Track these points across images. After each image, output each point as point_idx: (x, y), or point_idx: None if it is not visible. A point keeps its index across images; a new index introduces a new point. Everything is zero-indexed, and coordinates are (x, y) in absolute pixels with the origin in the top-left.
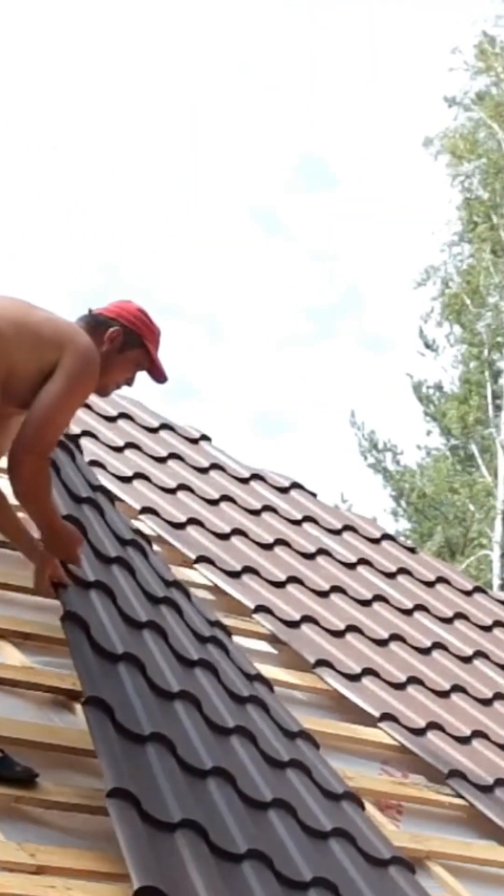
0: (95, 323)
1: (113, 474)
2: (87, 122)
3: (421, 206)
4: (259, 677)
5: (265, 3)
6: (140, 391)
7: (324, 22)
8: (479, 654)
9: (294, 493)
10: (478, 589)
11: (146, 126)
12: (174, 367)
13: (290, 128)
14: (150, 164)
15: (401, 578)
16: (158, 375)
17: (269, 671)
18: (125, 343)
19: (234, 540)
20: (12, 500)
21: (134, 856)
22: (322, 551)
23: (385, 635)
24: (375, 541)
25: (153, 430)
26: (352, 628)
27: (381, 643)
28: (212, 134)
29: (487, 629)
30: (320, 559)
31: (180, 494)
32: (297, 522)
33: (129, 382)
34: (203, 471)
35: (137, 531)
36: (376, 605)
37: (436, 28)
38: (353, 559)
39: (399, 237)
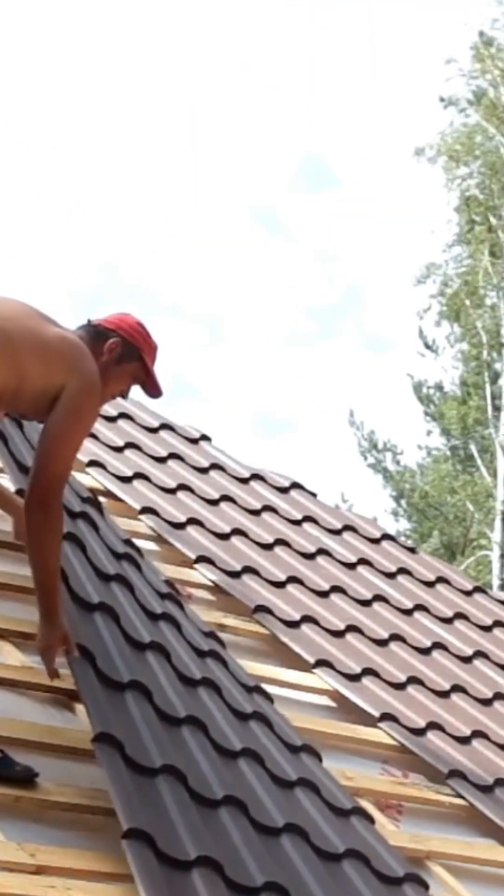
0: (95, 333)
1: (113, 474)
2: (87, 122)
3: (422, 205)
4: (213, 634)
5: (265, 3)
6: (141, 391)
7: (324, 22)
8: (479, 654)
9: (294, 493)
10: (478, 589)
11: (146, 126)
12: (175, 366)
13: (292, 128)
14: (151, 164)
15: (401, 578)
16: (154, 389)
17: (269, 671)
18: (123, 355)
19: (234, 540)
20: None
21: (121, 799)
22: (322, 551)
23: (385, 635)
24: (375, 541)
25: (153, 430)
26: (352, 628)
27: (381, 643)
28: (213, 134)
29: (487, 629)
30: (320, 559)
31: (180, 494)
32: (297, 522)
33: (124, 394)
34: (203, 471)
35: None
36: (376, 605)
37: (435, 28)
38: (353, 559)
39: (400, 237)
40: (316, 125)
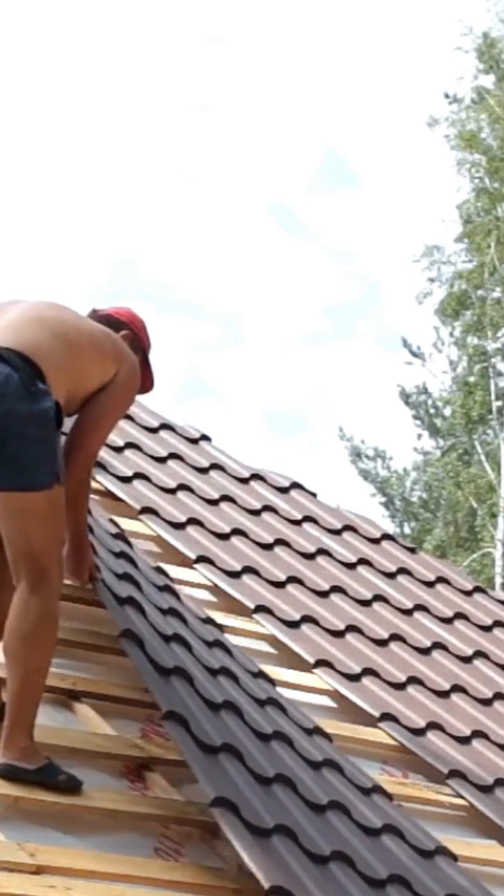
0: (106, 323)
1: (113, 474)
2: (105, 120)
3: (442, 205)
4: (262, 674)
5: (286, 1)
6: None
7: (347, 22)
8: (479, 654)
9: (294, 492)
10: (478, 589)
11: (166, 124)
12: (190, 365)
13: (312, 127)
14: (170, 163)
15: (401, 578)
16: (148, 385)
17: (269, 671)
18: (132, 348)
19: (234, 540)
20: None
21: (254, 860)
22: (322, 551)
23: (385, 635)
24: (375, 541)
25: (153, 430)
26: (352, 628)
27: (381, 643)
28: (232, 132)
29: (487, 629)
30: (320, 559)
31: (180, 494)
32: (297, 522)
33: None
34: (203, 471)
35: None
36: (376, 605)
37: (457, 27)
38: (353, 559)
39: (420, 236)
40: (337, 124)
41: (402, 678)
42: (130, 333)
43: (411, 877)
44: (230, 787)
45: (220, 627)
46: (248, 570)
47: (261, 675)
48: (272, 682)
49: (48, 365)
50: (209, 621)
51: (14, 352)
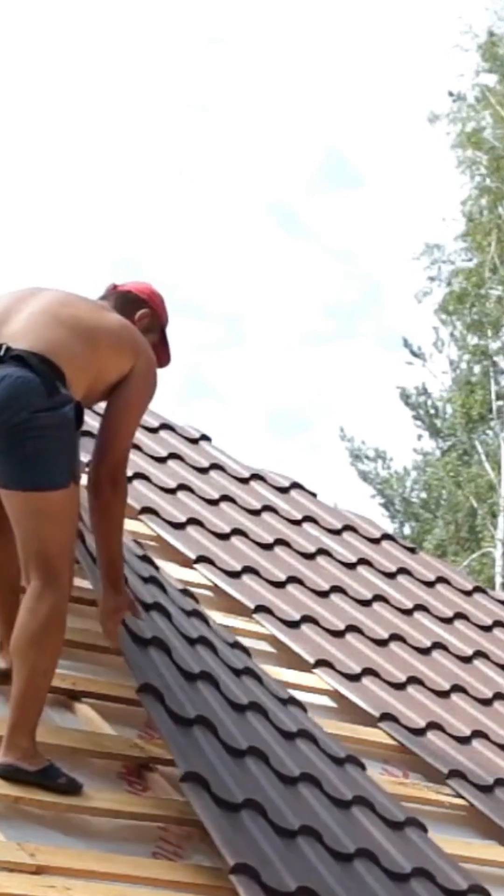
0: (125, 300)
1: None
2: (106, 120)
3: (444, 204)
4: (238, 644)
5: (288, 2)
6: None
7: (346, 20)
8: (479, 654)
9: (294, 492)
10: (478, 589)
11: (166, 124)
12: (192, 365)
13: (314, 126)
14: (171, 163)
15: (401, 578)
16: (165, 361)
17: (269, 671)
18: (148, 327)
19: (234, 540)
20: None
21: (219, 836)
22: (322, 551)
23: (385, 635)
24: (375, 541)
25: (153, 431)
26: (352, 628)
27: (381, 643)
28: (233, 132)
29: (487, 629)
30: (320, 559)
31: (180, 494)
32: (297, 522)
33: None
34: (203, 471)
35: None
36: (376, 605)
37: (456, 24)
38: (353, 559)
39: (421, 235)
40: (337, 123)
41: (402, 678)
42: (149, 311)
43: (379, 850)
44: (201, 762)
45: (196, 599)
46: (248, 570)
47: (237, 645)
48: (247, 652)
49: (68, 365)
50: (186, 592)
51: (34, 354)
